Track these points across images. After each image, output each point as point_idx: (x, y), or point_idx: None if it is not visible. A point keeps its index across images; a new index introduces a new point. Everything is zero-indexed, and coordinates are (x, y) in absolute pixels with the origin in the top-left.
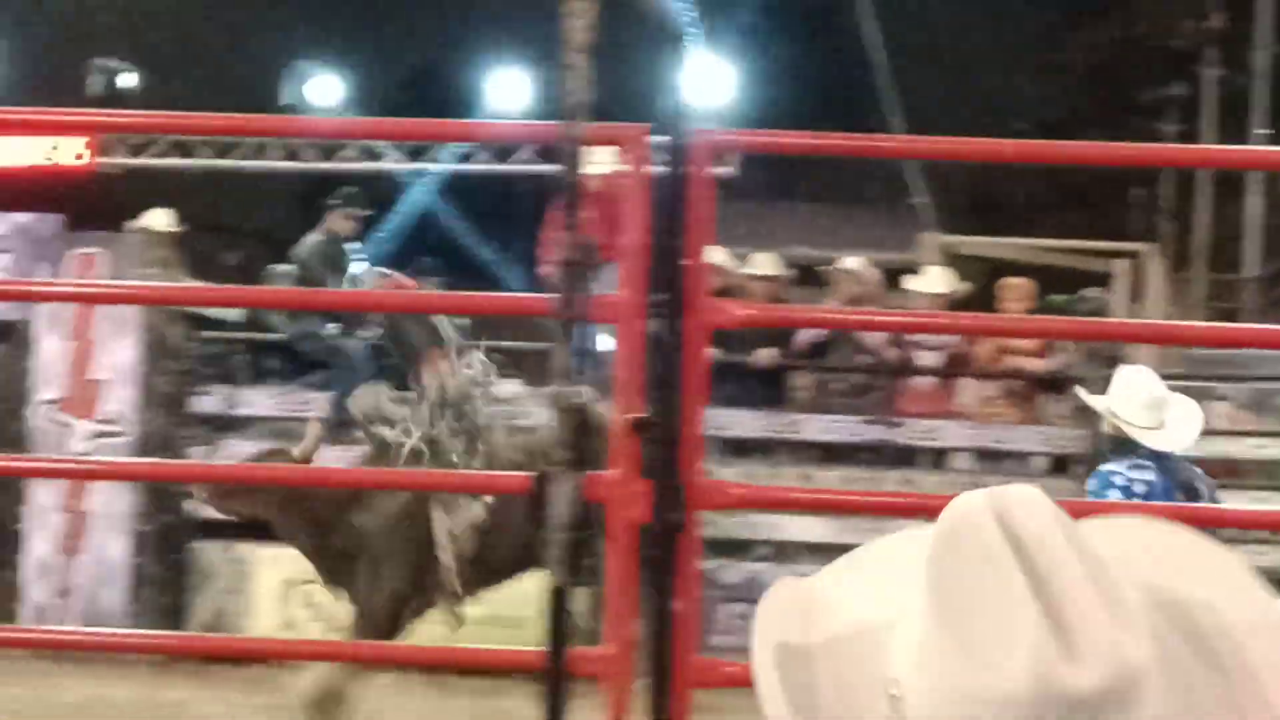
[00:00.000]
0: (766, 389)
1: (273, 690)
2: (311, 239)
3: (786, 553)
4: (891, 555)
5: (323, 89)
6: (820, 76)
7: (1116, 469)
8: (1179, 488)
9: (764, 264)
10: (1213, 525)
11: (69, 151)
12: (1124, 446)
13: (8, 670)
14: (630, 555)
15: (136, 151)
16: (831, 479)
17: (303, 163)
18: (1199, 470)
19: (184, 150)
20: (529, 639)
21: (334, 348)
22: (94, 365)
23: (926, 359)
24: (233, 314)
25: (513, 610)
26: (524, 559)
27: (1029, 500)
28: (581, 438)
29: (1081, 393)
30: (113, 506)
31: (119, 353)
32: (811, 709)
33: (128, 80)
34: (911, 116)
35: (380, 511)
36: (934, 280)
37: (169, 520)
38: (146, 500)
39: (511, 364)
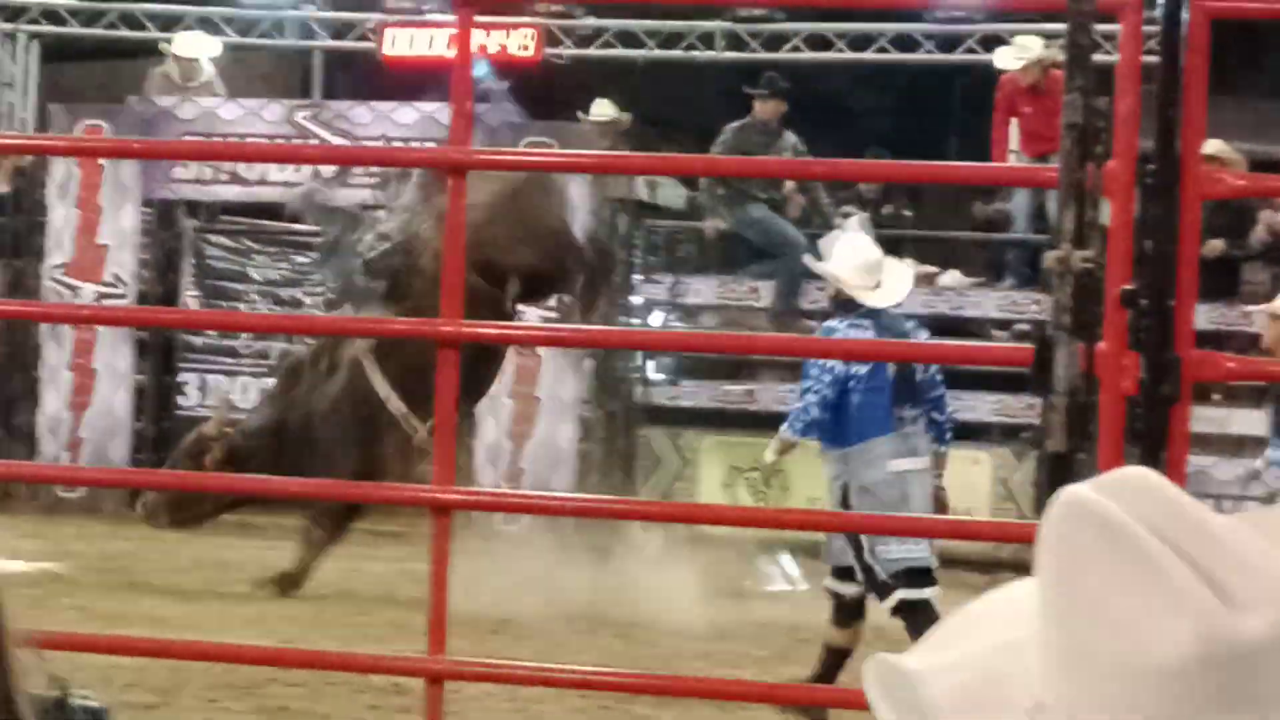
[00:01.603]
0: (1217, 281)
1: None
2: (733, 125)
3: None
4: (1018, 589)
5: None
6: None
7: (837, 325)
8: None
9: (1212, 148)
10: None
11: (517, 42)
12: (845, 306)
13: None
14: (1119, 428)
15: (584, 43)
16: None
17: (746, 53)
18: (912, 323)
19: (630, 41)
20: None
21: (778, 236)
22: None
23: None
24: (677, 203)
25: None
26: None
27: (1140, 475)
28: (1083, 304)
29: (808, 259)
30: (561, 392)
31: None
32: None
33: None
34: None
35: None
36: None
37: (616, 407)
38: (595, 387)
39: (947, 255)
